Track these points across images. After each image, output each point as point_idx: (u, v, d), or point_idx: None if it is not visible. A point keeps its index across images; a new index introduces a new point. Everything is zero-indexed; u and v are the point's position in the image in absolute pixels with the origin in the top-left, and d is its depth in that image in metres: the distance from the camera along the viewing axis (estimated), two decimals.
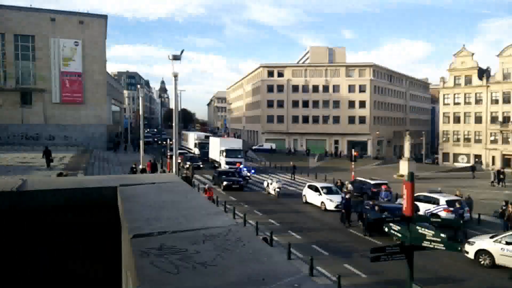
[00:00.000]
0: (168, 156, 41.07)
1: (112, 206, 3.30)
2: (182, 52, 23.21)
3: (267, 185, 30.70)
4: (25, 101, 51.55)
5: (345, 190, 25.73)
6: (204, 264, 1.54)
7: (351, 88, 76.20)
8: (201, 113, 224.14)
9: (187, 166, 40.37)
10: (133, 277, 1.56)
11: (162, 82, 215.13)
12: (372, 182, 29.45)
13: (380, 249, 8.62)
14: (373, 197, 25.73)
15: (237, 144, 46.96)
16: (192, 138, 65.25)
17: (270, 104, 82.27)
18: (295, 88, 79.79)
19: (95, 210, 3.36)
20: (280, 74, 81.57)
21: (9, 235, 3.15)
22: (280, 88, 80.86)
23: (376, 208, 19.88)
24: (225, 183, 31.33)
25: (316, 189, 26.74)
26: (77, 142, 48.72)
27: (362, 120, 75.39)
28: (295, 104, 79.62)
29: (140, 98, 52.13)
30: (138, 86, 63.10)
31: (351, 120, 75.91)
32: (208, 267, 1.52)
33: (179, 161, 32.84)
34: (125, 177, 4.21)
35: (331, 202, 25.02)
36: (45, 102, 52.15)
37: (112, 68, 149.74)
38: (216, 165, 44.71)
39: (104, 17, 56.20)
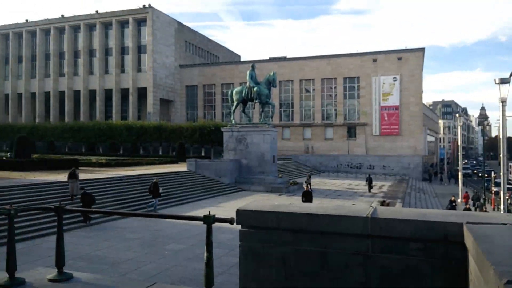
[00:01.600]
0: (493, 191, 36.25)
1: (457, 243, 3.30)
2: None
3: None
4: (350, 135, 58.54)
5: None
6: None
7: None
8: None
9: None
10: None
11: (482, 109, 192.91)
12: None
13: None
14: None
15: None
16: None
17: None
18: None
19: (438, 244, 3.44)
20: None
21: (360, 254, 3.67)
22: None
23: None
24: None
25: None
26: (394, 171, 50.52)
27: None
28: None
29: (458, 127, 48.83)
30: (456, 115, 59.24)
31: None
32: None
33: (507, 197, 28.23)
34: (470, 214, 4.09)
35: None
36: (366, 134, 57.31)
37: (427, 98, 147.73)
38: None
39: (422, 50, 56.72)
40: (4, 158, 32.68)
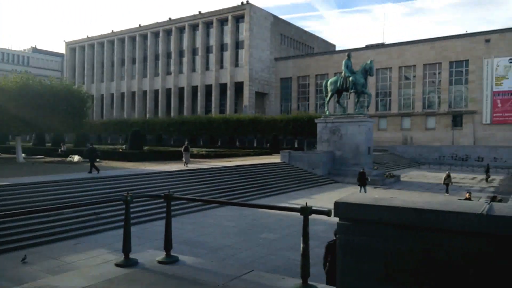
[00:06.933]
0: None
1: None
2: None
3: None
4: (456, 124, 53.64)
5: None
6: None
7: None
8: None
9: None
10: None
11: None
12: None
13: None
14: None
15: None
16: None
17: None
18: None
19: None
20: None
21: (472, 254, 3.33)
22: None
23: None
24: None
25: None
26: (507, 164, 45.07)
27: None
28: None
29: None
30: None
31: None
32: None
33: None
34: None
35: None
36: (475, 123, 52.00)
37: None
38: None
39: None
40: (120, 150, 36.64)
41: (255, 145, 55.78)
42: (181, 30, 74.60)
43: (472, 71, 52.62)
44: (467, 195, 16.76)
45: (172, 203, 5.91)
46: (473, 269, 3.34)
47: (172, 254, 5.93)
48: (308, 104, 68.10)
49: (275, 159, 34.79)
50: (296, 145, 51.17)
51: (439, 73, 55.46)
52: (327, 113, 34.02)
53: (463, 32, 56.04)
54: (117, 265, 5.65)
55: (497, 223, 3.28)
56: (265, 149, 49.13)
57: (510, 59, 49.66)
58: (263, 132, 53.68)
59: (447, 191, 24.59)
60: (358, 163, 30.57)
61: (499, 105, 50.58)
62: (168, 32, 76.18)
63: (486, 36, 51.72)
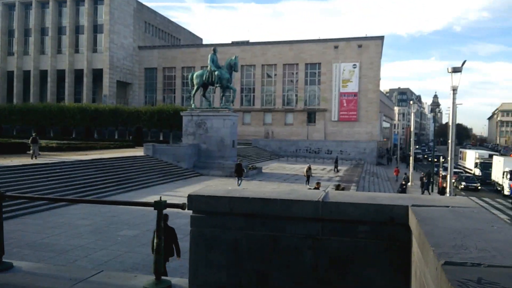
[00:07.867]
0: (441, 175, 38.28)
1: (402, 225, 3.37)
2: (463, 63, 21.27)
3: None
4: (310, 120, 59.51)
5: None
6: None
7: None
8: (479, 129, 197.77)
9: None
10: None
11: (435, 96, 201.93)
12: None
13: None
14: None
15: None
16: (471, 157, 58.43)
17: None
18: None
19: (385, 226, 3.50)
20: None
21: (310, 238, 3.68)
22: None
23: None
24: None
25: None
26: (350, 156, 52.02)
27: None
28: None
29: (412, 114, 50.93)
30: (410, 102, 61.84)
31: None
32: None
33: (453, 180, 30.13)
34: (415, 198, 4.20)
35: None
36: (326, 120, 58.44)
37: (384, 86, 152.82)
38: (499, 188, 39.04)
39: (381, 38, 58.14)
40: None
41: (116, 137, 52.48)
42: (26, 5, 65.31)
43: (324, 73, 58.93)
44: (316, 185, 18.66)
45: (11, 202, 5.08)
46: (311, 250, 3.69)
47: (5, 260, 5.14)
48: (175, 96, 67.11)
49: (138, 152, 33.37)
50: (161, 138, 49.96)
51: (297, 73, 60.60)
52: (193, 106, 34.02)
53: (317, 37, 62.22)
54: None
55: (330, 209, 3.68)
56: (127, 141, 46.69)
57: (353, 64, 57.13)
58: (126, 124, 50.92)
59: (308, 182, 26.61)
60: (223, 156, 31.40)
61: (345, 104, 57.86)
62: (10, 7, 65.87)
63: (335, 43, 58.43)
